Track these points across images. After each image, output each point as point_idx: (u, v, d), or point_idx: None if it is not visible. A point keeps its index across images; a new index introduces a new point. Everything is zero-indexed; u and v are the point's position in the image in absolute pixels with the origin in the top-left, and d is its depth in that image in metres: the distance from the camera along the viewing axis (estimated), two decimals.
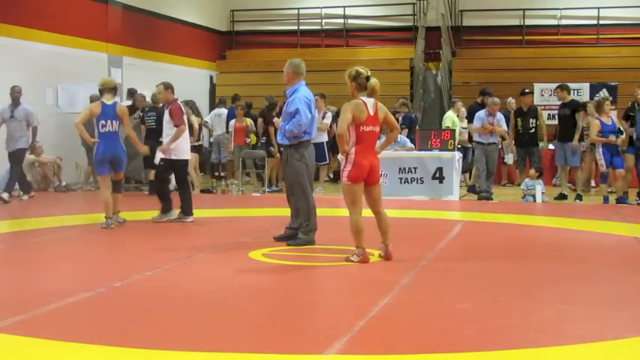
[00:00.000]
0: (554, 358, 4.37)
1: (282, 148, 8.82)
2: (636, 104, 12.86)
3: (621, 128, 12.95)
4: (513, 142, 13.89)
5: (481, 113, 13.67)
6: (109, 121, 9.60)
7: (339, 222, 8.73)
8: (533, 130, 13.66)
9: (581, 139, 13.43)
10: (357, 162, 6.98)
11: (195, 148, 14.81)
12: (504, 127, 13.69)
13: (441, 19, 20.65)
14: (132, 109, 15.31)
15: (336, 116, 15.01)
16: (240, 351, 4.37)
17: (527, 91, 14.12)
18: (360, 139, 7.00)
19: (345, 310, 5.47)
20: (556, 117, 14.43)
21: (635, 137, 12.75)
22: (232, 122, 15.66)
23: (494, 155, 13.73)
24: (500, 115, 13.71)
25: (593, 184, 15.56)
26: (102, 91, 9.79)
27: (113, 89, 9.83)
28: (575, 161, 13.49)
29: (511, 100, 16.17)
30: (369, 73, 7.08)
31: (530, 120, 13.62)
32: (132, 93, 16.04)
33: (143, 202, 12.92)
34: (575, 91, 16.00)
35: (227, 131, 16.21)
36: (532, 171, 13.25)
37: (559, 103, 14.14)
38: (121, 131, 9.91)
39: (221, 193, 14.62)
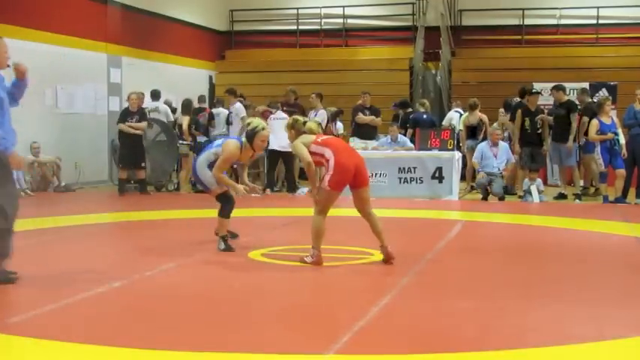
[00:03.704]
0: (553, 358, 4.37)
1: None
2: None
3: (620, 131, 12.84)
4: (517, 143, 13.74)
5: (483, 146, 13.42)
6: None
7: (339, 222, 8.73)
8: (540, 130, 13.61)
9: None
10: (341, 166, 6.83)
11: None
12: (512, 159, 13.32)
13: (441, 18, 20.64)
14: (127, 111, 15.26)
15: (334, 116, 15.02)
16: (241, 351, 4.37)
17: (534, 91, 14.06)
18: (334, 149, 6.91)
19: (345, 310, 5.47)
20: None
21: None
22: None
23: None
24: (505, 146, 13.34)
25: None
26: None
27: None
28: (570, 161, 13.46)
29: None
30: (305, 119, 7.43)
31: (538, 120, 13.57)
32: (155, 95, 15.81)
33: (143, 201, 12.91)
34: (575, 91, 15.95)
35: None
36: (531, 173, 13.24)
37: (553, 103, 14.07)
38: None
39: None
